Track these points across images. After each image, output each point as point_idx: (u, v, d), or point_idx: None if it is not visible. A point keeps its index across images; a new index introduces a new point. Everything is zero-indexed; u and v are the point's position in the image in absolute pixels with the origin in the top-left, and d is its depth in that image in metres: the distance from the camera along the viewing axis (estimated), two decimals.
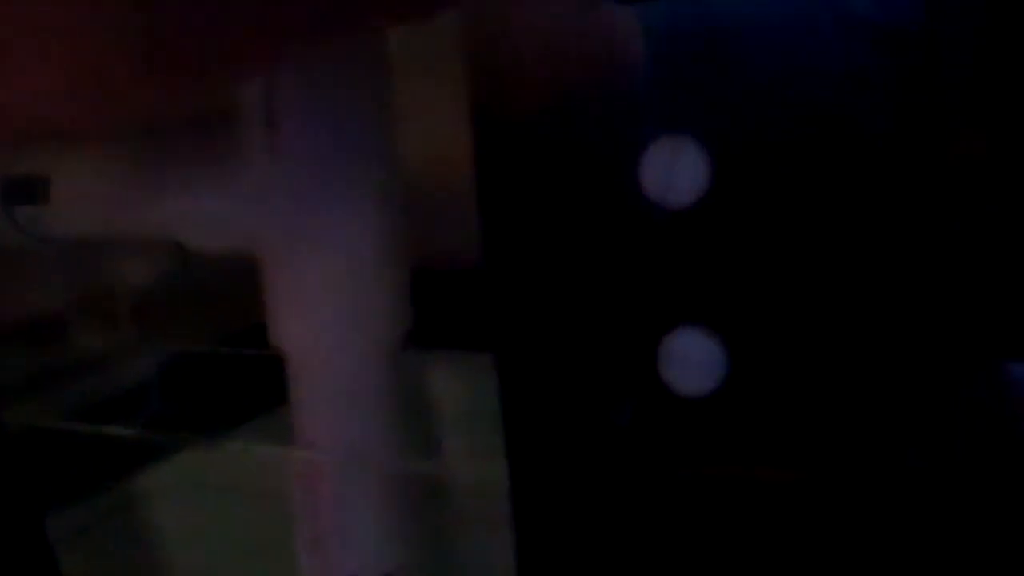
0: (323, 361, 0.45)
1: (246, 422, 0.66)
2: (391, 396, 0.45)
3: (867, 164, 0.26)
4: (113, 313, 0.59)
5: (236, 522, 0.64)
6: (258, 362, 0.62)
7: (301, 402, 0.45)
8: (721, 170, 0.25)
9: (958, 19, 0.27)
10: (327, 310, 0.44)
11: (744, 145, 0.25)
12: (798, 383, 0.27)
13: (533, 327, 0.29)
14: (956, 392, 0.26)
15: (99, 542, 0.63)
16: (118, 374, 0.62)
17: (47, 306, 0.58)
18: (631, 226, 0.26)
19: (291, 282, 0.44)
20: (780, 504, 0.29)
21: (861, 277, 0.26)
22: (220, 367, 0.67)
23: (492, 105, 0.30)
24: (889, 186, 0.26)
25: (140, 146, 0.49)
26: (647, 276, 0.27)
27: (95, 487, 0.60)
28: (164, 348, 0.62)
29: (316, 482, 0.45)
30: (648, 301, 0.27)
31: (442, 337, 0.51)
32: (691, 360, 0.26)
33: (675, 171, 0.25)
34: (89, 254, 0.59)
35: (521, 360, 0.30)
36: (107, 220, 0.50)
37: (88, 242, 0.55)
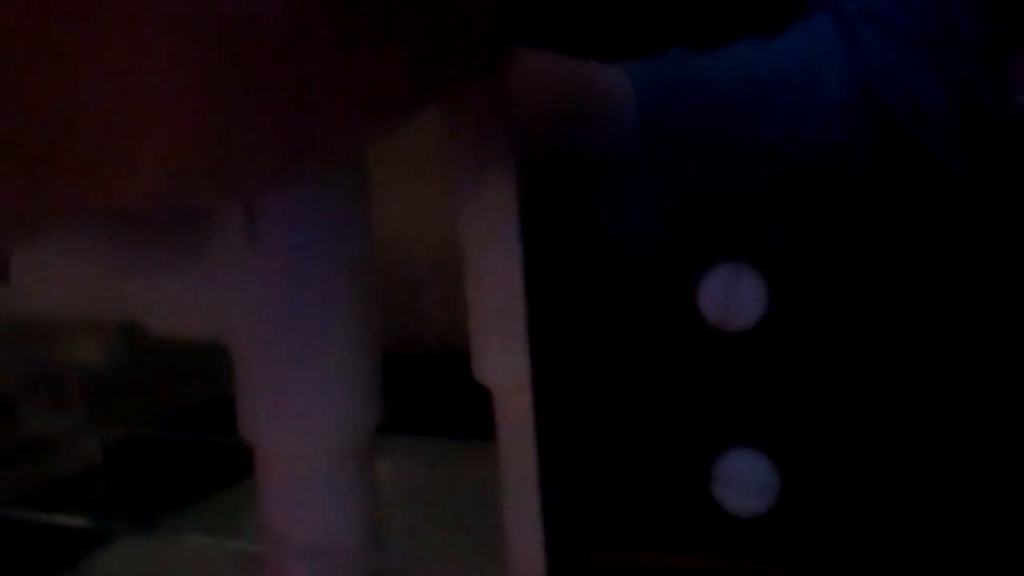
0: (293, 453, 0.43)
1: (190, 506, 0.65)
2: (362, 487, 0.44)
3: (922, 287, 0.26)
4: (62, 394, 0.57)
5: None
6: (204, 446, 0.61)
7: (269, 493, 0.44)
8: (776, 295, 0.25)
9: None
10: (299, 401, 0.43)
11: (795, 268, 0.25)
12: (850, 504, 0.26)
13: (584, 442, 0.28)
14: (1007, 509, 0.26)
15: None
16: (64, 457, 0.60)
17: None
18: (686, 346, 0.26)
19: (262, 373, 0.43)
20: None
21: (913, 397, 0.26)
22: (166, 451, 0.65)
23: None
24: (941, 306, 0.26)
25: (106, 226, 0.48)
26: (702, 396, 0.26)
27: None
28: (111, 431, 0.61)
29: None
30: (703, 421, 0.27)
31: (410, 423, 0.50)
32: (743, 480, 0.26)
33: (735, 297, 0.25)
34: (38, 332, 0.57)
35: (570, 471, 0.29)
36: (69, 301, 0.49)
37: (42, 321, 0.54)
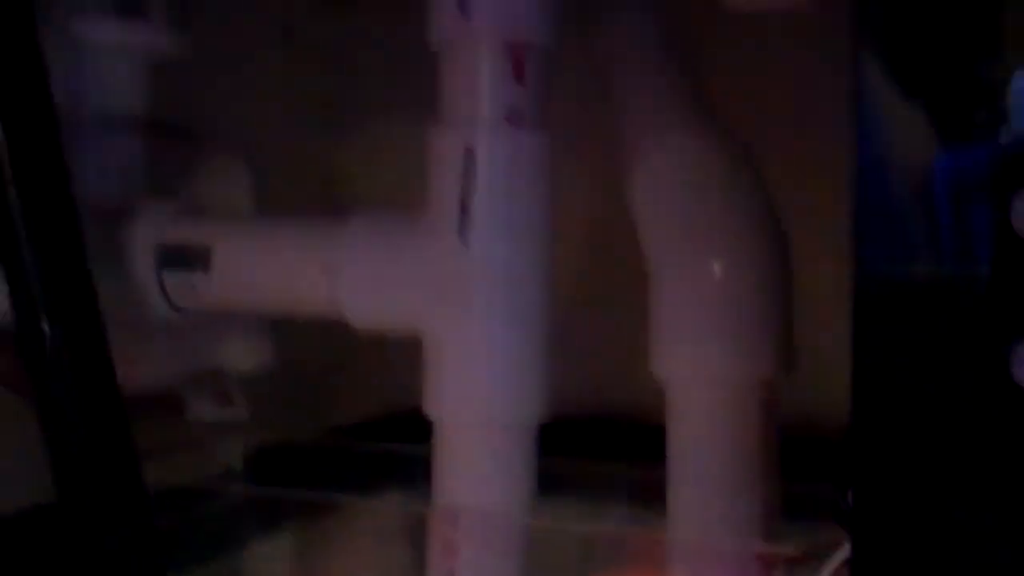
0: (472, 428, 0.49)
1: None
2: (526, 462, 0.50)
3: None
4: (224, 392, 0.63)
5: None
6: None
7: (445, 463, 0.50)
8: None
9: None
10: (479, 385, 0.49)
11: None
12: None
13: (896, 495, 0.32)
14: None
15: None
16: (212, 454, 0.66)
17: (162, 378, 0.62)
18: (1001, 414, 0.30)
19: (453, 358, 0.49)
20: None
21: None
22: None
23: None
24: None
25: (309, 221, 0.55)
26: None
27: None
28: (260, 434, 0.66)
29: (454, 540, 0.49)
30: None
31: None
32: None
33: None
34: (204, 334, 0.63)
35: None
36: (271, 294, 0.55)
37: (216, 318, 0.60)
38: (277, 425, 0.68)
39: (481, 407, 0.48)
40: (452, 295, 0.48)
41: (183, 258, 0.57)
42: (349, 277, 0.52)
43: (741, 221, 0.46)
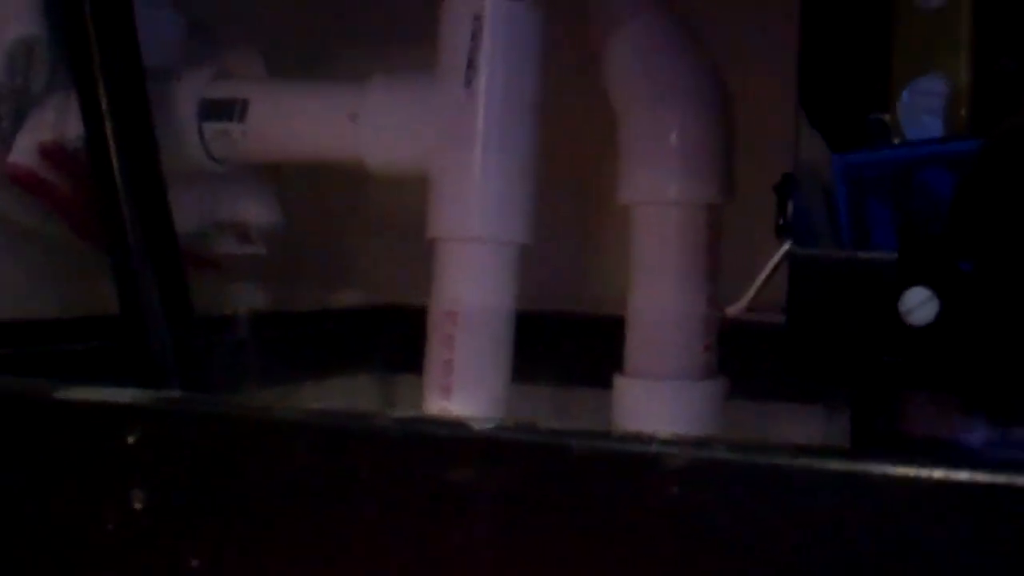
0: (467, 243, 0.60)
1: None
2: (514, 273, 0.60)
3: None
4: (245, 232, 0.73)
5: None
6: None
7: (445, 278, 0.60)
8: None
9: None
10: (475, 205, 0.59)
11: None
12: None
13: None
14: None
15: None
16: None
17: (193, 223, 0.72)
18: None
19: (453, 185, 0.59)
20: None
21: None
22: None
23: None
24: None
25: (336, 79, 0.65)
26: None
27: None
28: None
29: (452, 335, 0.59)
30: None
31: None
32: None
33: None
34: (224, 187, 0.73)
35: None
36: (300, 142, 0.65)
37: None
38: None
39: (476, 224, 0.59)
40: (457, 132, 0.59)
41: (223, 110, 0.67)
42: (369, 122, 0.62)
43: (694, 76, 0.57)
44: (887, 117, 0.44)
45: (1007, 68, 0.42)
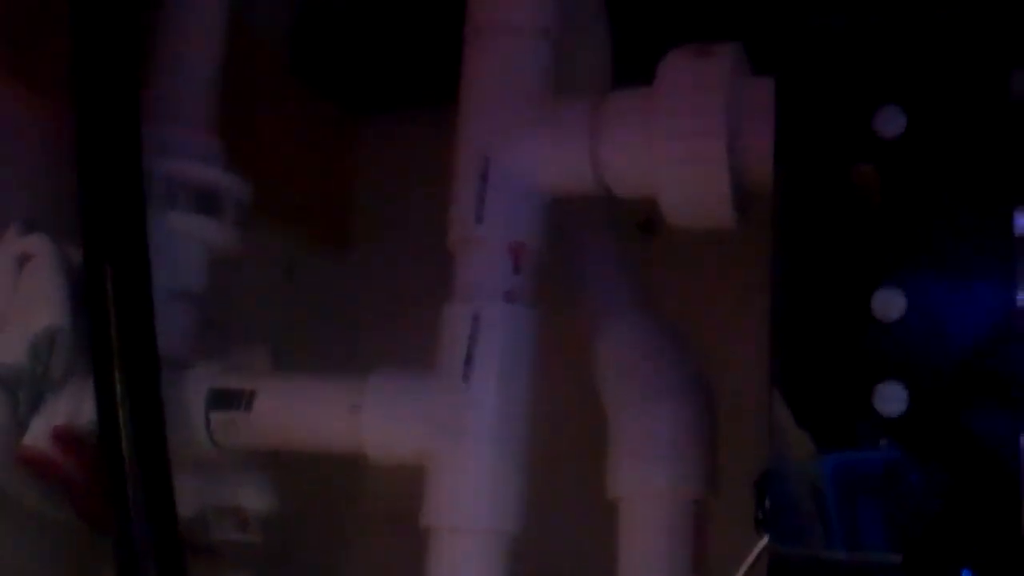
0: (460, 533, 0.62)
1: None
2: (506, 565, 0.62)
3: None
4: (243, 519, 0.75)
5: None
6: None
7: (436, 571, 0.62)
8: None
9: None
10: (469, 496, 0.61)
11: None
12: None
13: None
14: None
15: None
16: None
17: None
18: None
19: (449, 477, 0.62)
20: None
21: None
22: None
23: None
24: None
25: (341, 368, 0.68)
26: None
27: None
28: None
29: None
30: None
31: None
32: None
33: None
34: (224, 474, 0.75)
35: None
36: (303, 432, 0.68)
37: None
38: None
39: (469, 514, 0.61)
40: (454, 425, 0.62)
41: (230, 399, 0.70)
42: (369, 415, 0.65)
43: (679, 374, 0.60)
44: None
45: None
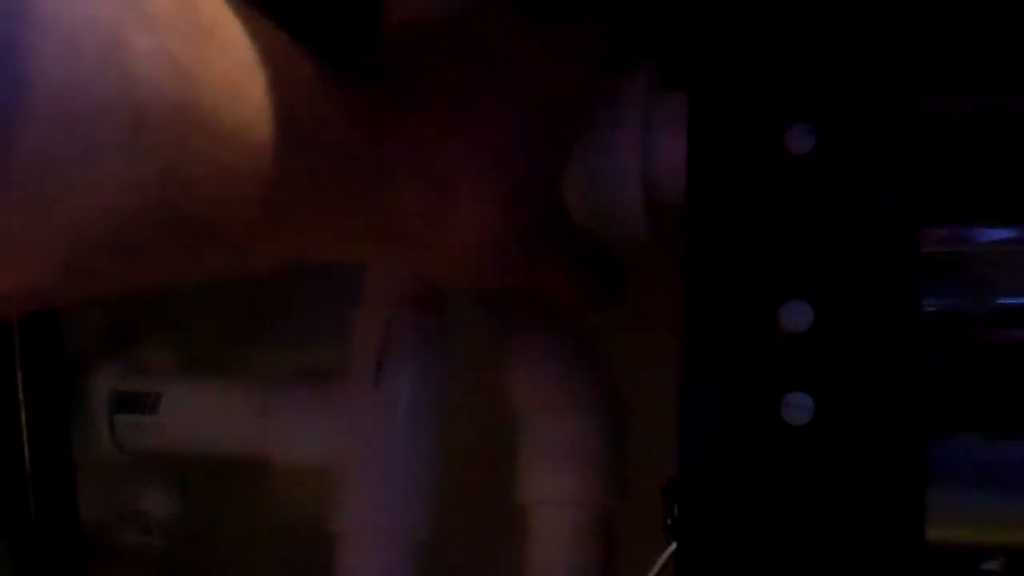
0: (366, 539, 0.61)
1: None
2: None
3: None
4: (146, 524, 0.74)
5: None
6: None
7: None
8: None
9: None
10: (377, 501, 0.61)
11: None
12: None
13: None
14: None
15: None
16: None
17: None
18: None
19: (356, 481, 0.62)
20: None
21: None
22: None
23: None
24: None
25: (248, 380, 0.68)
26: None
27: None
28: None
29: None
30: None
31: None
32: None
33: None
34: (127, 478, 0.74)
35: None
36: (209, 435, 0.67)
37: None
38: None
39: (376, 518, 0.61)
40: (362, 430, 0.61)
41: (135, 402, 0.69)
42: (277, 419, 0.65)
43: (588, 385, 0.61)
44: None
45: None
